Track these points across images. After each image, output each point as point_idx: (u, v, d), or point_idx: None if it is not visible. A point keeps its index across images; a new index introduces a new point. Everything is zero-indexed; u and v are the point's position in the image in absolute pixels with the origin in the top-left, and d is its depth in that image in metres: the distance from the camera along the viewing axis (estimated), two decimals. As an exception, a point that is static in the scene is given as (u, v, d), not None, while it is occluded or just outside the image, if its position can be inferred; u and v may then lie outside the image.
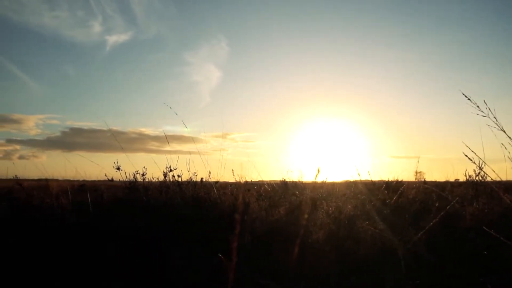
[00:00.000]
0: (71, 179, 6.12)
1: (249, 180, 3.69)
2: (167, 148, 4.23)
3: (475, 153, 3.09)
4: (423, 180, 5.18)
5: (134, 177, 3.78)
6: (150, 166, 4.17)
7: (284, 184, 3.59)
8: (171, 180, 3.96)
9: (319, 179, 4.92)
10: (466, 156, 2.73)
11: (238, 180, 3.62)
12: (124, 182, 4.11)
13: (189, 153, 4.15)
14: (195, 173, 3.91)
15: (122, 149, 3.98)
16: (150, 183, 3.93)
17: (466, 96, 3.00)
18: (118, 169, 3.74)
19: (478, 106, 2.98)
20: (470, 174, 4.24)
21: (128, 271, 2.91)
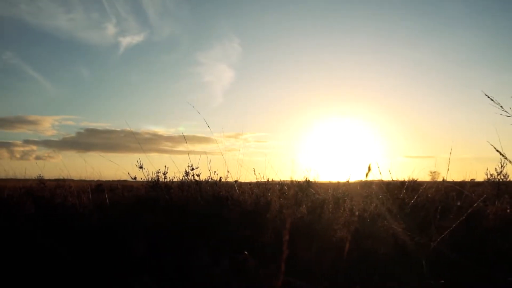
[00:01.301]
0: (86, 179, 6.24)
1: (270, 179, 3.72)
2: (180, 148, 4.28)
3: (500, 152, 3.07)
4: (442, 179, 5.13)
5: (157, 175, 3.84)
6: (164, 166, 4.22)
7: (306, 183, 3.60)
8: (192, 179, 4.01)
9: (334, 179, 4.93)
10: (500, 153, 2.70)
11: (259, 179, 3.65)
12: (144, 181, 4.18)
13: (205, 153, 4.21)
14: (215, 172, 3.96)
15: (142, 150, 4.04)
16: (171, 182, 3.99)
17: (489, 97, 2.98)
18: (141, 167, 3.80)
19: (501, 106, 2.96)
20: (491, 173, 4.18)
21: (154, 268, 2.97)
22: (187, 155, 3.97)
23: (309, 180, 3.46)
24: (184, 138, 4.64)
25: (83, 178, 6.41)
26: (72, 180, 6.27)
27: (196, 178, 4.17)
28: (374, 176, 4.41)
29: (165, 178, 3.99)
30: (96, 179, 6.43)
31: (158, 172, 3.85)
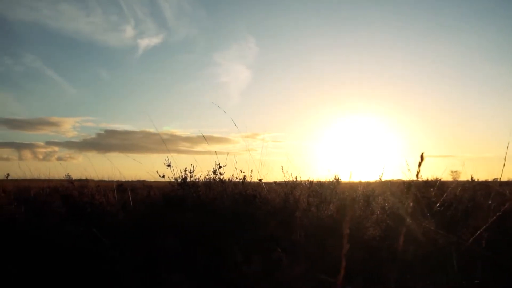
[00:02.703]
0: (105, 179, 6.34)
1: (297, 178, 3.69)
2: (197, 148, 4.31)
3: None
4: (471, 178, 5.02)
5: (184, 174, 3.87)
6: (190, 164, 4.25)
7: (336, 181, 3.57)
8: (218, 177, 4.02)
9: (355, 179, 4.87)
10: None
11: (287, 178, 3.64)
12: (166, 182, 4.22)
13: (227, 153, 4.22)
14: (241, 170, 3.97)
15: (167, 150, 4.08)
16: (197, 180, 4.01)
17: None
18: (169, 165, 3.84)
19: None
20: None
21: (184, 265, 2.98)
22: (205, 155, 4.00)
23: (338, 178, 3.43)
24: (205, 139, 4.67)
25: (102, 178, 6.52)
26: (93, 180, 6.39)
27: (220, 176, 4.19)
28: (411, 174, 4.34)
29: (191, 176, 4.01)
30: (115, 179, 6.53)
31: (186, 170, 3.87)
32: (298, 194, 3.41)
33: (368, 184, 5.22)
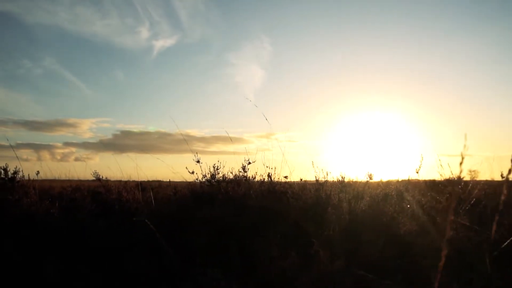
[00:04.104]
0: (122, 179, 6.42)
1: (327, 174, 3.67)
2: (212, 149, 4.32)
3: None
4: (503, 177, 4.89)
5: (214, 170, 3.88)
6: (217, 161, 4.28)
7: (369, 177, 3.54)
8: (244, 174, 4.03)
9: (375, 179, 4.81)
10: None
11: (317, 175, 3.62)
12: (184, 182, 4.26)
13: (247, 153, 4.24)
14: (268, 166, 3.96)
15: (198, 151, 4.11)
16: (226, 177, 4.02)
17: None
18: (198, 161, 3.87)
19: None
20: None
21: (217, 260, 2.99)
22: (220, 155, 4.01)
23: (371, 174, 3.39)
24: (230, 139, 4.71)
25: (120, 178, 6.61)
26: (111, 180, 6.48)
27: (246, 174, 4.19)
28: (446, 172, 4.27)
29: (219, 173, 4.02)
30: (131, 179, 6.62)
31: (215, 166, 3.89)
32: (329, 190, 3.39)
33: (388, 183, 5.16)
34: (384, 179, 4.77)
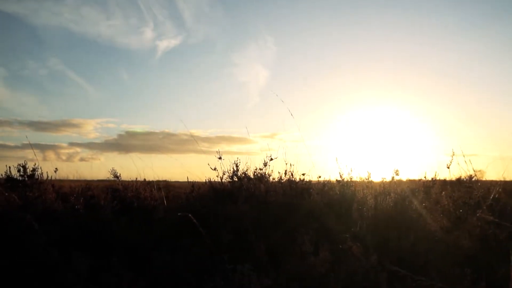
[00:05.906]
0: (128, 179, 6.42)
1: (351, 170, 3.64)
2: (216, 149, 4.31)
3: None
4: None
5: (236, 167, 3.86)
6: (237, 158, 4.28)
7: (395, 173, 3.50)
8: (264, 171, 4.01)
9: (388, 178, 4.78)
10: None
11: (341, 172, 3.59)
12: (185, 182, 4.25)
13: (258, 153, 4.23)
14: (290, 164, 3.94)
15: (202, 151, 4.11)
16: (247, 175, 4.00)
17: None
18: (220, 158, 3.85)
19: None
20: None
21: (244, 255, 2.96)
22: (226, 155, 4.01)
23: (397, 170, 3.36)
24: (248, 134, 4.71)
25: (126, 178, 6.60)
26: (121, 180, 6.48)
27: (265, 171, 4.18)
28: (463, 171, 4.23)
29: (238, 169, 4.00)
30: (140, 178, 6.61)
31: (235, 162, 3.87)
32: (352, 187, 3.37)
33: (399, 182, 5.12)
34: (403, 178, 4.74)
